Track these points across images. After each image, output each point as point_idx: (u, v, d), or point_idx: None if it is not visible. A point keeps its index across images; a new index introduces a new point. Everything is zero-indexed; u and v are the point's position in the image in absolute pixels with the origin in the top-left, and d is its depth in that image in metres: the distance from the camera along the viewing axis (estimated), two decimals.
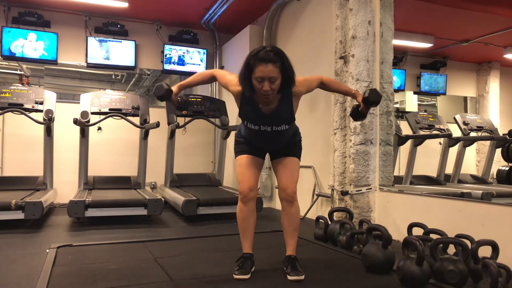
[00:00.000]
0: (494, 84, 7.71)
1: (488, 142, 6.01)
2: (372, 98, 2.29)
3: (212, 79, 2.44)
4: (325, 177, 4.40)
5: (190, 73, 6.52)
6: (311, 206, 4.54)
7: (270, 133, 2.29)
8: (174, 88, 2.33)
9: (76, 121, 4.65)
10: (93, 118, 4.91)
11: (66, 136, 5.50)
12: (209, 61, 6.60)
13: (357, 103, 2.41)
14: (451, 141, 5.50)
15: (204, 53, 6.41)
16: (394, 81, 6.71)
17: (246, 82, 2.14)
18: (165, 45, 6.24)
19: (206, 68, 6.44)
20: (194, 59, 6.37)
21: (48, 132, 4.90)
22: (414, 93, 7.31)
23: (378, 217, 3.71)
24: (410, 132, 5.43)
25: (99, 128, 4.99)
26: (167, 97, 2.30)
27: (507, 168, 5.32)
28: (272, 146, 2.43)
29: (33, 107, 4.82)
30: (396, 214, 3.54)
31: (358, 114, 2.42)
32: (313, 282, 2.25)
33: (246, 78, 2.13)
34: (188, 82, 2.40)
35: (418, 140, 5.45)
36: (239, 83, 2.19)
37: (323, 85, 2.41)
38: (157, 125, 4.78)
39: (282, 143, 2.40)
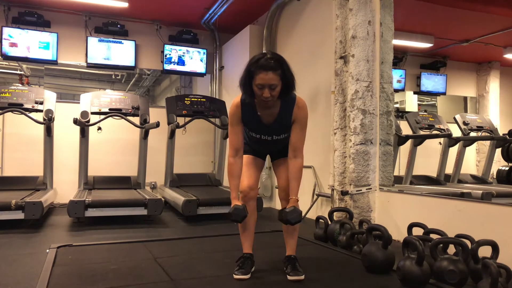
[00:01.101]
0: (494, 84, 7.71)
1: (488, 142, 6.01)
2: (288, 216, 2.17)
3: (238, 152, 2.34)
4: (325, 177, 4.40)
5: (190, 73, 6.54)
6: (311, 206, 4.54)
7: (270, 141, 2.37)
8: (239, 202, 2.28)
9: (76, 121, 4.65)
10: (93, 118, 4.91)
11: (66, 136, 5.50)
12: (209, 61, 6.60)
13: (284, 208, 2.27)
14: (451, 141, 5.50)
15: (204, 53, 6.41)
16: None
17: (247, 88, 2.19)
18: (165, 45, 6.24)
19: (206, 68, 6.44)
20: (194, 59, 6.37)
21: (48, 132, 4.90)
22: (414, 93, 7.31)
23: (378, 217, 3.71)
24: (410, 132, 5.42)
25: (99, 128, 4.99)
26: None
27: (507, 168, 5.32)
28: (273, 150, 2.49)
29: (33, 107, 4.82)
30: (396, 214, 3.54)
31: (280, 217, 2.26)
32: (313, 282, 2.25)
33: (246, 84, 2.17)
34: (236, 186, 2.32)
35: (418, 140, 5.44)
36: (240, 88, 2.24)
37: (291, 151, 2.31)
38: (157, 125, 4.78)
39: (282, 146, 2.43)
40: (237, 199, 2.29)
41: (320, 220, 3.43)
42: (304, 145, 2.55)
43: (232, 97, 2.39)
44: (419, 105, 7.63)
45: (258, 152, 2.48)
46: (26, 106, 4.79)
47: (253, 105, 2.27)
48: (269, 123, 2.31)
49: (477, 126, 5.73)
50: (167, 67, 6.27)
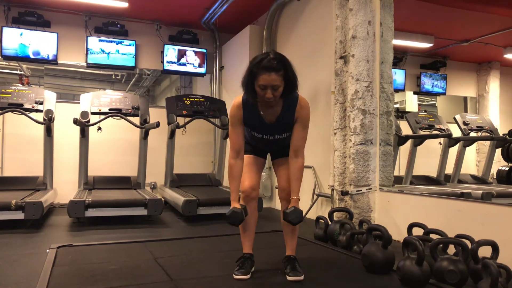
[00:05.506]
0: (494, 84, 7.72)
1: (488, 142, 6.01)
2: (289, 217, 2.18)
3: (239, 154, 2.31)
4: (325, 177, 4.40)
5: (190, 73, 6.54)
6: (311, 206, 4.54)
7: (272, 140, 2.36)
8: (238, 205, 2.25)
9: (76, 121, 4.66)
10: (93, 118, 4.91)
11: (66, 136, 5.50)
12: (209, 61, 6.60)
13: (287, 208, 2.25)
14: (451, 141, 5.50)
15: (204, 53, 6.41)
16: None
17: (249, 88, 2.18)
18: (165, 45, 6.24)
19: (206, 69, 6.45)
20: (194, 59, 6.36)
21: (48, 132, 4.90)
22: (414, 93, 7.31)
23: (378, 217, 3.71)
24: (410, 132, 5.42)
25: (99, 128, 4.99)
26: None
27: (507, 168, 5.32)
28: (274, 149, 2.47)
29: (33, 107, 4.82)
30: (396, 214, 3.54)
31: (283, 217, 2.28)
32: (313, 282, 2.25)
33: (249, 85, 2.17)
34: (236, 188, 2.30)
35: (418, 140, 5.45)
36: (242, 88, 2.23)
37: (292, 151, 2.29)
38: (157, 125, 4.78)
39: (283, 145, 2.42)
40: (236, 201, 2.27)
41: (320, 220, 3.43)
42: (305, 145, 2.55)
43: (232, 97, 2.39)
44: (419, 105, 7.64)
45: (259, 151, 2.47)
46: (26, 106, 4.79)
47: (255, 104, 2.27)
48: (271, 122, 2.30)
49: (477, 126, 5.73)
50: (167, 67, 6.27)
